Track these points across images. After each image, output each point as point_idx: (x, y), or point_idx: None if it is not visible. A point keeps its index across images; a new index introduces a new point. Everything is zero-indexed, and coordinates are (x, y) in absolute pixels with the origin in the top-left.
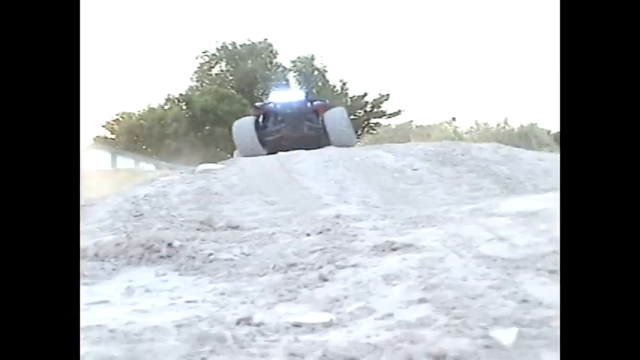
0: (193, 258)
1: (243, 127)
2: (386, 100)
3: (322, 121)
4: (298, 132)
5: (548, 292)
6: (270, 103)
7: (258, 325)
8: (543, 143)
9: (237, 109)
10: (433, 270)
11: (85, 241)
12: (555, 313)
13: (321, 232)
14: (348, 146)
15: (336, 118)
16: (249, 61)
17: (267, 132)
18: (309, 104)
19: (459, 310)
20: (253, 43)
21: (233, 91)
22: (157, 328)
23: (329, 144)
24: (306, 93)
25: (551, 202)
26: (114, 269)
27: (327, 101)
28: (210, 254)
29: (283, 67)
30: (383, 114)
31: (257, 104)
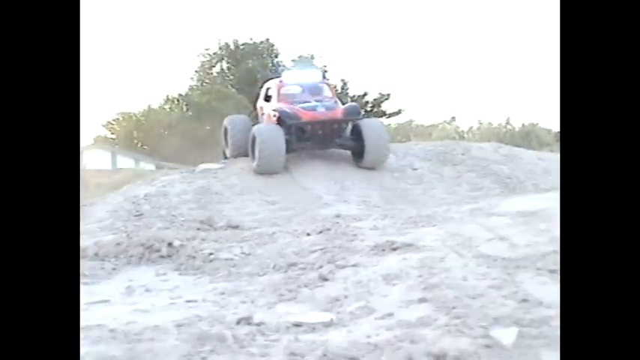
0: (193, 257)
1: (274, 139)
2: (386, 99)
3: (356, 132)
4: (326, 147)
5: (549, 291)
6: (293, 112)
7: (258, 324)
8: (544, 143)
9: (237, 109)
10: (433, 270)
11: (85, 241)
12: (555, 312)
13: (321, 232)
14: (376, 167)
15: (375, 130)
16: (250, 61)
17: (288, 147)
18: (340, 114)
19: (459, 310)
20: (255, 42)
21: (233, 90)
22: (157, 327)
23: (357, 160)
24: (323, 73)
25: (551, 201)
26: (114, 269)
27: (356, 105)
28: (211, 254)
29: (284, 66)
30: (383, 114)
31: (275, 109)
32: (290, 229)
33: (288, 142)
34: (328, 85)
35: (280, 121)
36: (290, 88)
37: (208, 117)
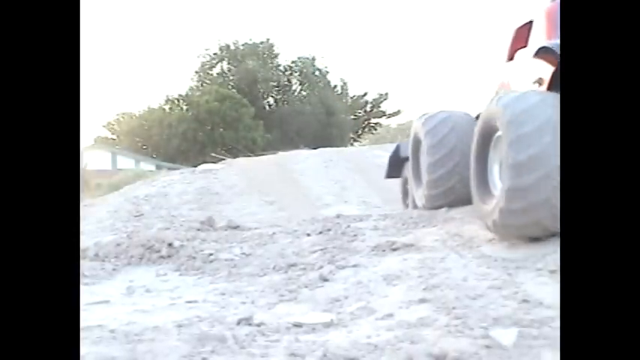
0: (194, 258)
1: None
2: (385, 99)
3: None
4: None
5: (549, 292)
6: None
7: (258, 325)
8: None
9: (237, 110)
10: (434, 270)
11: (85, 241)
12: (556, 313)
13: (321, 232)
14: None
15: None
16: (250, 61)
17: None
18: None
19: (459, 310)
20: (255, 43)
21: (234, 90)
22: (158, 328)
23: None
24: None
25: None
26: (114, 269)
27: None
28: (211, 254)
29: (285, 66)
30: (383, 114)
31: None
32: (290, 230)
33: None
34: None
35: None
36: None
37: (208, 117)
